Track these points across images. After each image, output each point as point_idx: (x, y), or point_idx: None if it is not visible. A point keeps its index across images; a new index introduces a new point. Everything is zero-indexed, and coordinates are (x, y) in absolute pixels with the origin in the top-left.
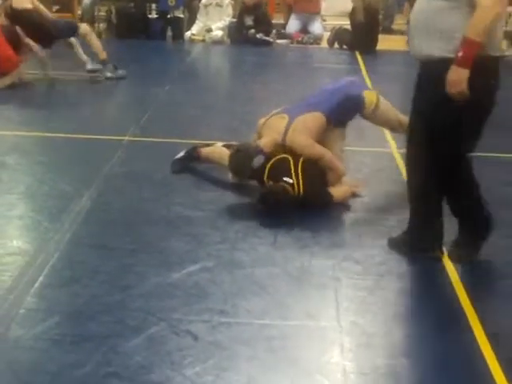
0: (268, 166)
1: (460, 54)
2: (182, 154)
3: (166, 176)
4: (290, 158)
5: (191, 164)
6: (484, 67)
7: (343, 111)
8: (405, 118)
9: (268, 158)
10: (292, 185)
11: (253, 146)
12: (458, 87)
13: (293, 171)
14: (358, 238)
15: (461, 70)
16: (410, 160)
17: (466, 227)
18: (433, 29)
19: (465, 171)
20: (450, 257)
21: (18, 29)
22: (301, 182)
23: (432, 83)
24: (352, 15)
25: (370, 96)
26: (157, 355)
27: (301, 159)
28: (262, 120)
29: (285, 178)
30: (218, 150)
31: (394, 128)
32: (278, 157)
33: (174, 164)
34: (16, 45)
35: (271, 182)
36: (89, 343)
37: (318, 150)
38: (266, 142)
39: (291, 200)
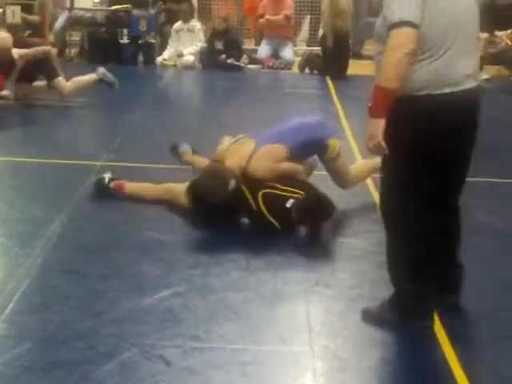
0: (260, 195)
1: (369, 104)
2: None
3: (138, 201)
4: (271, 190)
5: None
6: (411, 109)
7: (304, 150)
8: (355, 176)
9: (238, 181)
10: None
11: (226, 170)
12: (372, 140)
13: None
14: (330, 262)
15: (373, 121)
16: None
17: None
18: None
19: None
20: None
21: (14, 52)
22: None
23: None
24: (323, 41)
25: (334, 143)
26: (129, 381)
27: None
28: (225, 144)
29: (287, 204)
30: (145, 186)
31: (342, 183)
32: (264, 191)
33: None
34: (6, 68)
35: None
36: (60, 370)
37: (279, 167)
38: (232, 167)
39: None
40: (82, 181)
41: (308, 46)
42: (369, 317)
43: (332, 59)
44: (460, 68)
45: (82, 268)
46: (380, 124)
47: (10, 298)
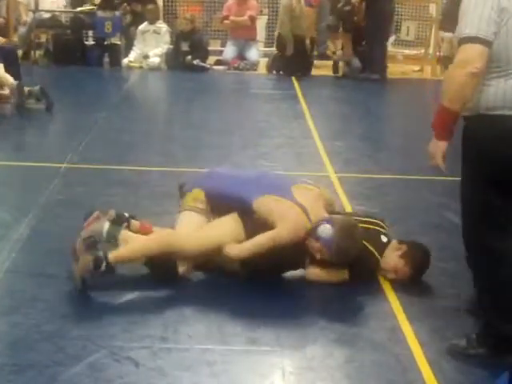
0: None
1: (432, 123)
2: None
3: (105, 203)
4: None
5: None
6: (481, 129)
7: None
8: None
9: None
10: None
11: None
12: (432, 159)
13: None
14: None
15: (435, 142)
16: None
17: None
18: None
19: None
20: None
21: None
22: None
23: None
24: (278, 43)
25: None
26: (98, 383)
27: None
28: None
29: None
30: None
31: None
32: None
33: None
34: None
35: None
36: (29, 372)
37: None
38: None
39: None
40: (48, 183)
41: (265, 46)
42: (456, 351)
43: (292, 61)
44: None
45: (49, 270)
46: (440, 146)
47: None
